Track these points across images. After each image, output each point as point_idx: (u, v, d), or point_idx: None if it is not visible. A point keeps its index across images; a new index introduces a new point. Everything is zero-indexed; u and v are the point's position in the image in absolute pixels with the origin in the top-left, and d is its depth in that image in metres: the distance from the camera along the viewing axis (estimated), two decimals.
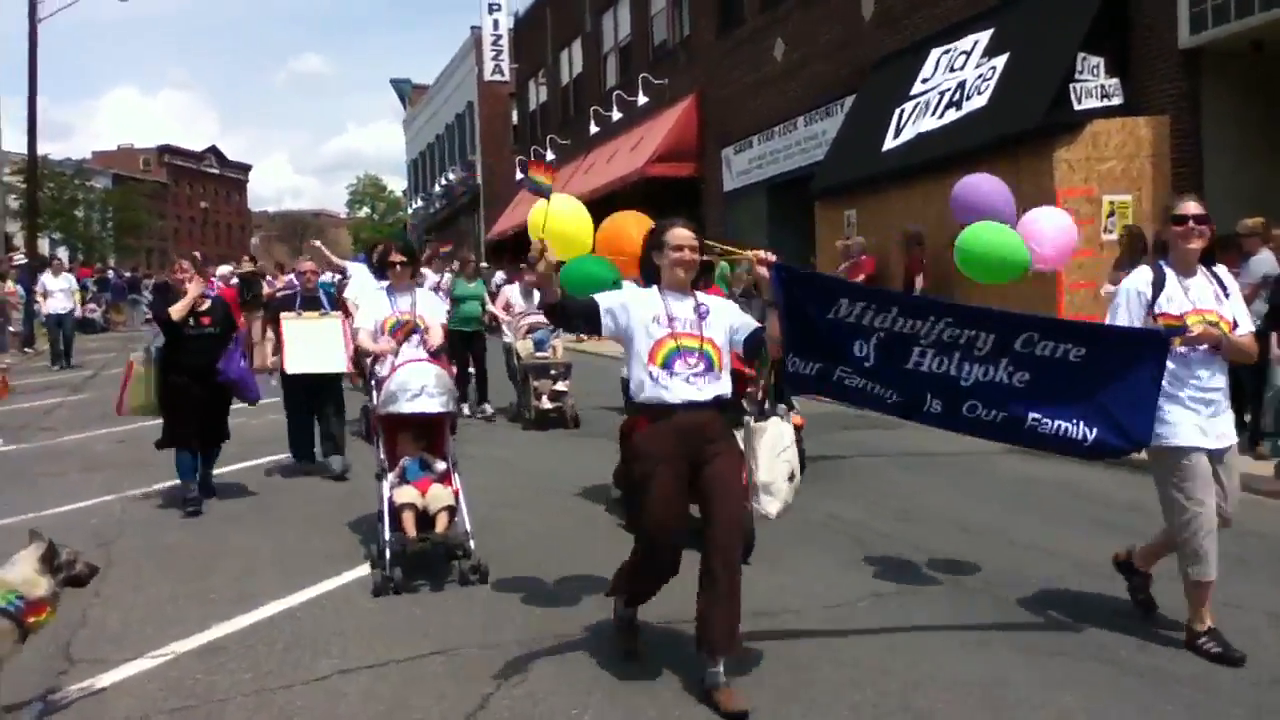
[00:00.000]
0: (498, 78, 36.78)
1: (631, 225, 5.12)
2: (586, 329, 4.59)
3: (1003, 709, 4.13)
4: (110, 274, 37.30)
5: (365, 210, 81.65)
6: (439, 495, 6.15)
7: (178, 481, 8.26)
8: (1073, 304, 11.97)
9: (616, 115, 26.88)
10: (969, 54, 14.33)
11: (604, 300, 4.46)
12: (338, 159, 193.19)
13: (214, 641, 5.08)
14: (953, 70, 14.50)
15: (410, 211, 58.23)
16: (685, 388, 4.31)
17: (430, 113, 50.69)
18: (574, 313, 4.50)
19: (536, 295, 13.27)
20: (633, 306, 4.43)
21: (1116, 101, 12.32)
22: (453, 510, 6.13)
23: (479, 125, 41.37)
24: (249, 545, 6.96)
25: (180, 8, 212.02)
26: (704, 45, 23.34)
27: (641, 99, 25.48)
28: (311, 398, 9.25)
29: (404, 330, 6.71)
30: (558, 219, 4.81)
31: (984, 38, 14.16)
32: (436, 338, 6.79)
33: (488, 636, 5.01)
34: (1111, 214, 12.02)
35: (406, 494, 6.13)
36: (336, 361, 8.89)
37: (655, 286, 4.50)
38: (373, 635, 5.08)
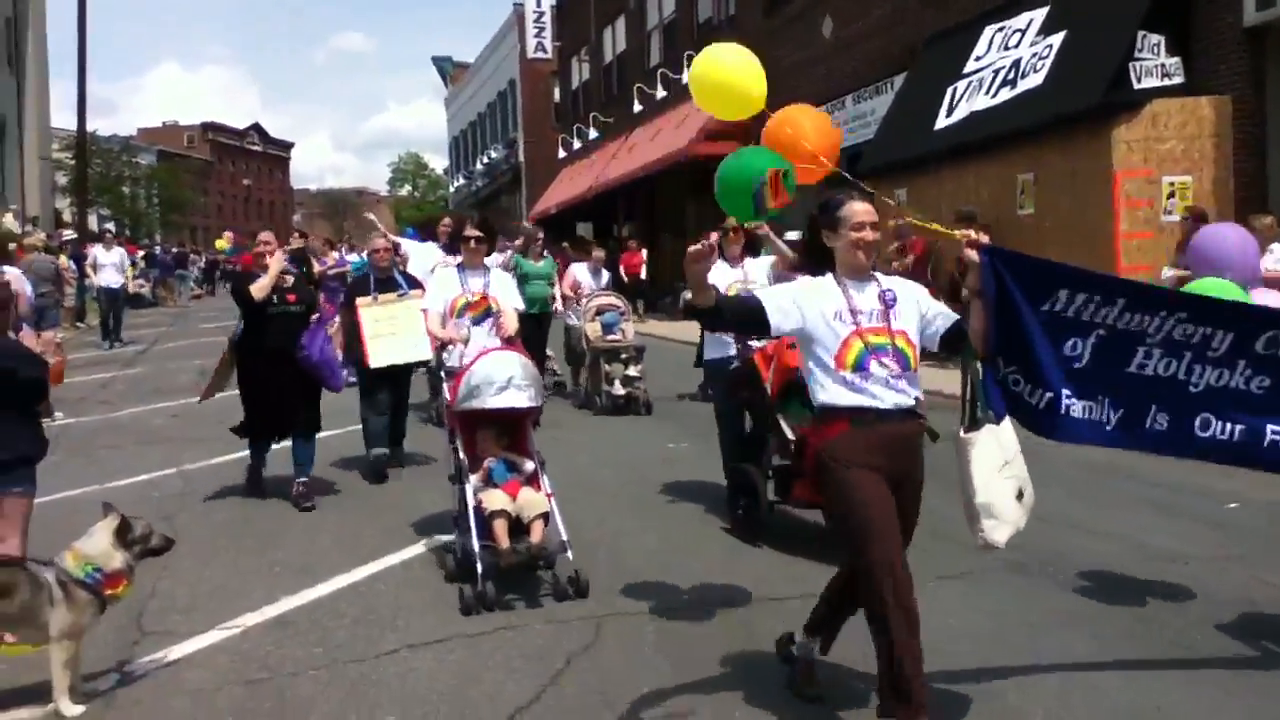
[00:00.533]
0: (540, 55, 36.77)
1: (805, 121, 4.26)
2: (751, 332, 3.95)
3: (1077, 697, 4.09)
4: (157, 250, 37.72)
5: (407, 188, 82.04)
6: (532, 501, 5.50)
7: (235, 455, 8.37)
8: None
9: (661, 93, 26.75)
10: (1024, 32, 14.11)
11: (770, 298, 3.76)
12: (378, 137, 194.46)
13: (282, 615, 5.14)
14: (1007, 48, 14.29)
15: (452, 190, 58.46)
16: (890, 392, 3.67)
17: (472, 91, 50.75)
18: (735, 315, 3.84)
19: (605, 275, 13.18)
20: (806, 301, 3.73)
21: (1177, 81, 12.08)
22: (546, 517, 5.47)
23: (521, 103, 41.39)
24: (311, 520, 7.04)
25: None
26: (750, 23, 23.14)
27: (686, 77, 25.31)
28: (390, 391, 8.43)
29: (475, 309, 6.20)
30: (717, 63, 4.22)
31: (1040, 15, 13.94)
32: (511, 324, 6.19)
33: (553, 613, 5.03)
34: (1171, 195, 11.83)
35: (497, 499, 5.43)
36: (421, 348, 7.76)
37: (829, 274, 3.82)
38: (437, 610, 5.12)
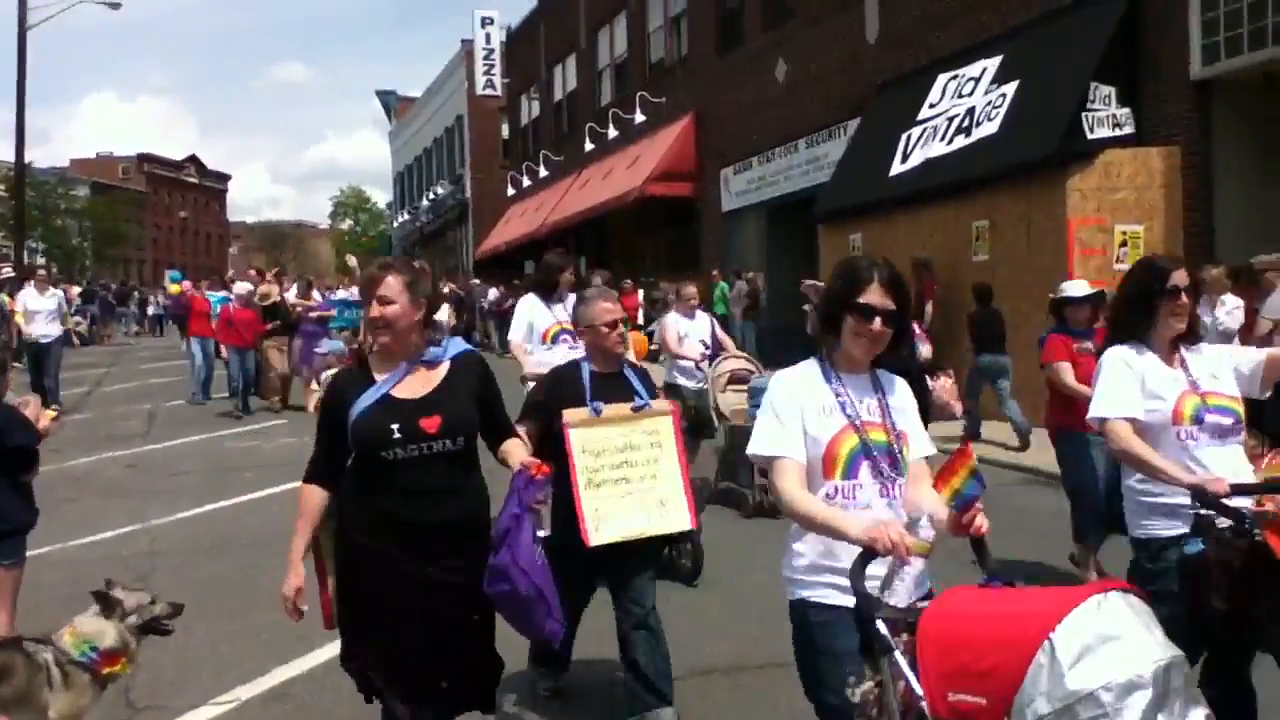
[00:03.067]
0: (489, 92, 36.86)
1: None
2: None
3: None
4: (97, 287, 37.00)
5: (348, 222, 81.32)
6: None
7: (202, 510, 8.17)
8: None
9: (613, 133, 26.91)
10: (978, 80, 14.43)
11: None
12: (317, 169, 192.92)
13: (278, 687, 5.02)
14: (961, 96, 14.60)
15: (396, 225, 58.16)
16: None
17: (418, 125, 50.65)
18: None
19: (707, 321, 9.60)
20: None
21: (1128, 131, 12.43)
22: None
23: (469, 139, 41.36)
24: None
25: (160, 11, 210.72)
26: (703, 64, 23.41)
27: (639, 117, 25.53)
28: (601, 573, 4.57)
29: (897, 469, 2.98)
30: None
31: (993, 65, 14.27)
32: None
33: (574, 680, 4.94)
34: (1124, 244, 12.12)
35: None
36: (678, 514, 4.41)
37: None
38: None
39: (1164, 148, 12.20)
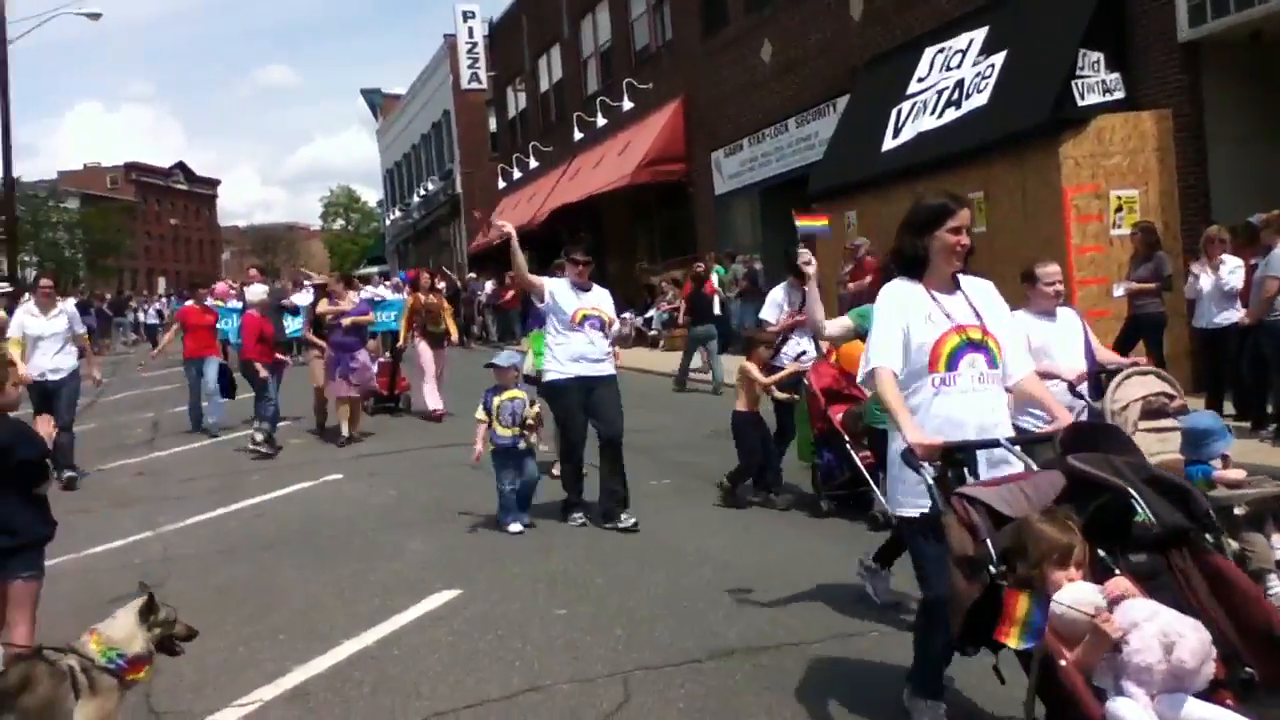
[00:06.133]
0: (475, 85, 36.73)
1: None
2: None
3: None
4: (93, 300, 36.93)
5: (340, 222, 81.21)
6: None
7: (213, 514, 8.17)
8: (1085, 301, 12.07)
9: (601, 121, 26.83)
10: (965, 52, 14.39)
11: None
12: (306, 170, 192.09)
13: (298, 687, 5.02)
14: (949, 69, 14.57)
15: (388, 222, 58.05)
16: None
17: (405, 122, 50.51)
18: None
19: (1071, 324, 6.04)
20: None
21: (1118, 96, 12.40)
22: None
23: (456, 134, 41.25)
24: (303, 579, 6.90)
25: (143, 19, 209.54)
26: (688, 48, 23.34)
27: (626, 104, 25.46)
28: None
29: None
30: None
31: (979, 35, 14.23)
32: None
33: (577, 670, 4.98)
34: (1119, 209, 12.11)
35: None
36: None
37: None
38: (459, 673, 5.03)
39: (1155, 111, 12.17)
